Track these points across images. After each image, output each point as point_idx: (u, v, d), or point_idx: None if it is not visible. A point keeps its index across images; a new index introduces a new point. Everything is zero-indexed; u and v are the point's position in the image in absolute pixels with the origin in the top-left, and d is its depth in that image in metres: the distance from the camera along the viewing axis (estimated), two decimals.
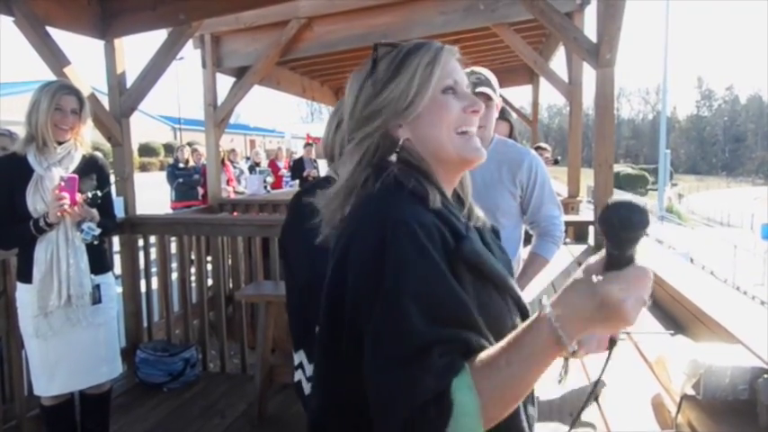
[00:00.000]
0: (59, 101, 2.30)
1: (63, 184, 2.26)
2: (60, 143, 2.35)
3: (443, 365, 0.68)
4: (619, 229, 0.67)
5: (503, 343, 0.71)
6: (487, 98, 1.88)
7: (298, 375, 1.82)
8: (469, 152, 0.89)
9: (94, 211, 2.38)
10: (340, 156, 0.93)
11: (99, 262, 2.47)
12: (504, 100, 6.11)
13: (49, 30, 3.20)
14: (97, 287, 2.43)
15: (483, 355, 0.71)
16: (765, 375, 1.14)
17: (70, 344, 2.38)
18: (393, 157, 0.88)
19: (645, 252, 0.77)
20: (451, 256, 0.77)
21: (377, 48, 0.92)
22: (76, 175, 2.32)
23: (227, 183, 8.32)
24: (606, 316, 0.66)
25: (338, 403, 0.85)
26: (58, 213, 2.27)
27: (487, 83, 1.92)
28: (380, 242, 0.75)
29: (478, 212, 0.98)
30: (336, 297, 0.80)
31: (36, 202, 2.29)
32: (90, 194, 2.38)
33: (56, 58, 3.20)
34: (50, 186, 2.29)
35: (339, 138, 1.64)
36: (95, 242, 2.44)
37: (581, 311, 0.67)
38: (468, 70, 1.96)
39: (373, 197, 0.82)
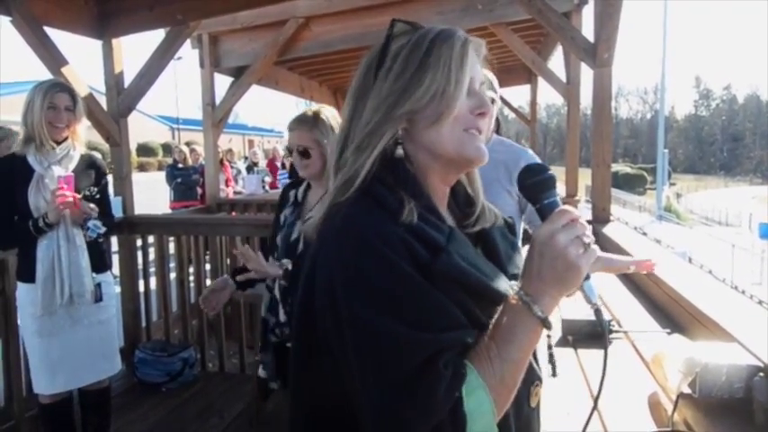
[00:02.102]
0: (52, 98, 2.30)
1: (63, 185, 2.27)
2: (58, 142, 2.36)
3: (451, 375, 0.66)
4: (524, 179, 0.79)
5: (490, 332, 0.71)
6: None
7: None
8: (470, 151, 0.81)
9: (95, 206, 2.39)
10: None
11: (99, 261, 2.49)
12: (503, 100, 6.12)
13: (47, 30, 3.19)
14: (98, 285, 2.46)
15: (478, 349, 0.70)
16: (761, 374, 1.15)
17: (72, 342, 2.39)
18: (400, 152, 0.80)
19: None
20: (425, 270, 0.71)
21: (393, 24, 0.84)
22: (73, 174, 2.33)
23: (226, 183, 8.31)
24: (551, 258, 0.69)
25: (320, 415, 0.81)
26: (60, 211, 2.28)
27: (489, 85, 1.94)
28: (343, 263, 0.71)
29: (491, 211, 0.94)
30: (308, 321, 0.76)
31: (38, 201, 2.30)
32: (87, 192, 2.39)
33: (53, 57, 3.20)
34: (51, 185, 2.30)
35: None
36: (100, 239, 2.45)
37: (534, 270, 0.71)
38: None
39: (341, 210, 0.76)
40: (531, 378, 0.82)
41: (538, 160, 2.07)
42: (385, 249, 0.70)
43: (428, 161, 0.82)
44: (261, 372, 2.12)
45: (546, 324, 0.70)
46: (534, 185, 0.78)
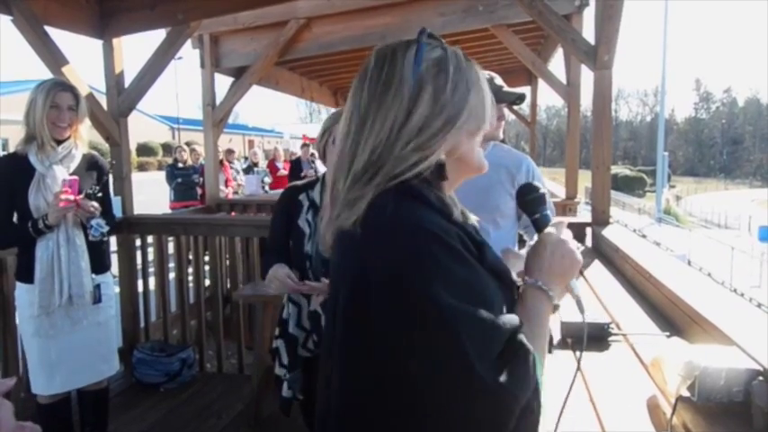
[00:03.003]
0: (55, 98, 2.29)
1: (67, 188, 2.26)
2: (59, 142, 2.35)
3: (533, 354, 0.75)
4: (525, 195, 0.98)
5: (521, 316, 0.81)
6: None
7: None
8: (483, 162, 0.91)
9: (97, 205, 2.39)
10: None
11: (99, 262, 2.48)
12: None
13: (48, 29, 3.20)
14: (97, 286, 2.45)
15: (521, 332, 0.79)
16: (760, 378, 1.15)
17: (71, 343, 2.38)
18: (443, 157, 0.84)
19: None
20: (476, 261, 0.79)
21: (422, 33, 0.85)
22: (77, 177, 2.32)
23: (226, 183, 8.31)
24: (561, 256, 0.88)
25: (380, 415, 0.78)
26: (62, 214, 2.27)
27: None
28: (418, 255, 0.73)
29: (465, 213, 0.95)
30: (362, 318, 0.76)
31: (38, 201, 2.29)
32: (90, 191, 2.39)
33: (54, 57, 3.20)
34: (52, 185, 2.29)
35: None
36: (105, 238, 2.45)
37: (546, 265, 0.88)
38: (487, 75, 1.99)
39: (388, 205, 0.77)
40: None
41: (536, 166, 2.10)
42: (452, 242, 0.75)
43: (456, 169, 0.87)
44: (285, 392, 1.99)
45: (556, 308, 0.88)
46: (534, 201, 0.97)
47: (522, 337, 0.75)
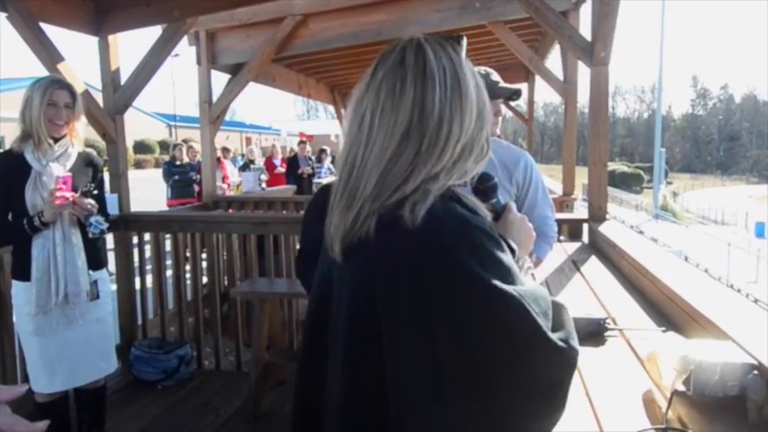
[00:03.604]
0: (52, 96, 2.29)
1: (62, 185, 2.25)
2: (56, 139, 2.35)
3: (565, 308, 0.86)
4: (482, 183, 1.08)
5: None
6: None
7: None
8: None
9: (95, 202, 2.38)
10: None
11: (95, 258, 2.48)
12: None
13: (43, 26, 3.18)
14: (94, 283, 2.44)
15: None
16: (755, 372, 1.15)
17: (69, 341, 2.38)
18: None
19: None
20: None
21: (460, 39, 0.90)
22: (71, 174, 2.32)
23: (223, 180, 8.30)
24: (524, 231, 1.07)
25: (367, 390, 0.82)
26: (58, 211, 2.26)
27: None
28: (474, 248, 0.77)
29: None
30: (372, 313, 0.78)
31: (35, 199, 2.28)
32: (86, 189, 2.38)
33: (49, 54, 3.18)
34: (49, 182, 2.29)
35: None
36: (104, 235, 2.45)
37: (517, 239, 1.01)
38: (483, 70, 1.98)
39: (436, 204, 0.79)
40: None
41: (535, 163, 2.09)
42: (495, 234, 0.82)
43: None
44: None
45: (533, 276, 1.01)
46: (490, 189, 1.09)
47: (556, 299, 0.86)
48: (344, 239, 0.82)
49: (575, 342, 0.81)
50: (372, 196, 0.80)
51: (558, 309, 0.85)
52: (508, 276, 0.78)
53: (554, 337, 0.78)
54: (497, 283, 0.75)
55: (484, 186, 1.07)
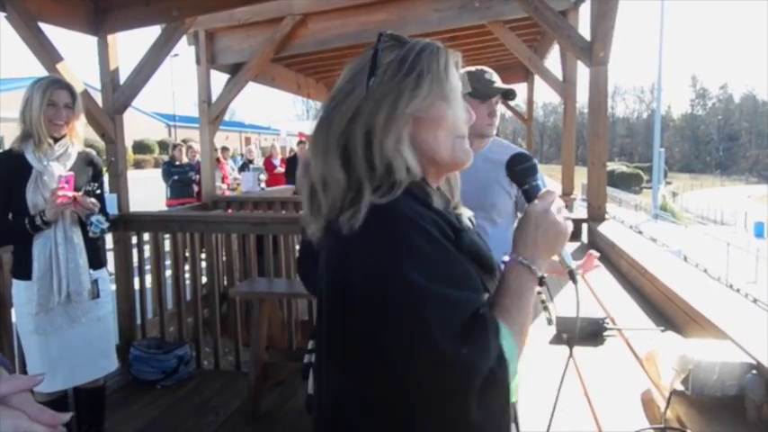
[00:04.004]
0: (52, 96, 2.29)
1: (64, 184, 2.26)
2: (56, 139, 2.36)
3: (495, 326, 0.80)
4: (514, 165, 0.98)
5: (500, 292, 0.87)
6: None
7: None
8: (461, 156, 0.90)
9: (96, 201, 2.39)
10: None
11: (95, 258, 2.48)
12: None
13: (42, 25, 3.18)
14: (95, 282, 2.45)
15: (495, 306, 0.85)
16: (754, 371, 1.15)
17: (70, 340, 2.38)
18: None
19: None
20: (452, 245, 0.83)
21: (380, 38, 0.89)
22: (73, 173, 2.32)
23: (223, 180, 8.30)
24: (545, 228, 0.88)
25: (356, 388, 0.85)
26: (59, 210, 2.27)
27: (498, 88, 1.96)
28: (395, 239, 0.78)
29: (464, 212, 1.00)
30: (346, 301, 0.81)
31: (36, 199, 2.29)
32: (88, 188, 2.39)
33: (48, 54, 3.18)
34: (50, 182, 2.29)
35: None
36: (105, 234, 2.45)
37: (530, 239, 0.88)
38: (476, 68, 1.98)
39: (376, 208, 0.81)
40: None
41: (536, 163, 2.08)
42: (426, 226, 0.80)
43: (425, 165, 0.89)
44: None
45: (542, 281, 0.89)
46: (523, 171, 0.97)
47: (484, 310, 0.80)
48: (318, 243, 0.88)
49: (476, 353, 0.76)
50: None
51: (496, 329, 0.80)
52: (425, 267, 0.77)
53: (448, 343, 0.75)
54: (403, 275, 0.75)
55: (512, 171, 0.98)
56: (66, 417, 0.69)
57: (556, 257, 0.93)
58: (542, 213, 0.88)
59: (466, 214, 0.99)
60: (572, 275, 0.93)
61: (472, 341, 0.76)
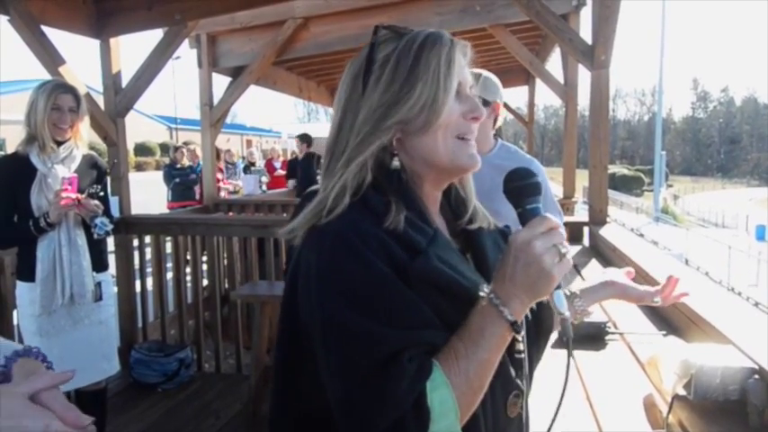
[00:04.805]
0: (56, 100, 2.31)
1: (67, 186, 2.27)
2: (60, 143, 2.37)
3: (415, 369, 0.67)
4: (510, 182, 0.79)
5: (458, 333, 0.72)
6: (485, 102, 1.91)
7: None
8: (463, 159, 0.81)
9: (100, 204, 2.40)
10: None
11: (98, 260, 2.49)
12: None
13: (45, 29, 3.19)
14: (98, 285, 2.46)
15: (445, 348, 0.71)
16: (756, 376, 1.15)
17: (73, 342, 2.39)
18: (396, 163, 0.82)
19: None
20: (402, 270, 0.72)
21: (377, 31, 0.82)
22: (76, 175, 2.34)
23: (222, 182, 8.31)
24: (525, 263, 0.70)
25: (298, 417, 0.82)
26: (63, 212, 2.28)
27: (495, 89, 1.96)
28: (320, 257, 0.73)
29: (484, 214, 0.94)
30: (291, 314, 0.78)
31: (40, 201, 2.30)
32: (92, 190, 2.40)
33: (51, 57, 3.19)
34: (54, 184, 2.31)
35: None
36: (109, 236, 2.46)
37: (508, 273, 0.71)
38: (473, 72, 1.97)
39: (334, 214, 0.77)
40: (509, 387, 0.81)
41: (542, 170, 2.06)
42: (361, 246, 0.71)
43: (422, 169, 0.82)
44: None
45: (515, 328, 0.71)
46: (519, 189, 0.79)
47: (413, 351, 0.68)
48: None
49: (379, 401, 0.66)
50: None
51: (421, 375, 0.67)
52: (349, 297, 0.70)
53: (338, 383, 0.69)
54: (319, 302, 0.71)
55: (506, 188, 0.80)
56: (88, 421, 0.70)
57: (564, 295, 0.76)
58: (524, 245, 0.71)
59: (484, 222, 0.93)
60: (564, 327, 0.76)
61: (369, 385, 0.67)
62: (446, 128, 0.80)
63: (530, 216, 0.76)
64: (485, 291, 0.75)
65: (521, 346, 0.78)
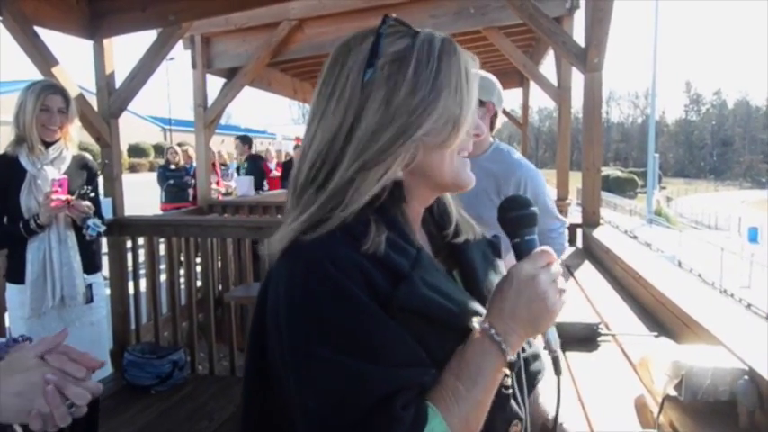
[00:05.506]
0: (45, 101, 2.29)
1: (57, 188, 2.26)
2: (49, 144, 2.36)
3: (411, 418, 0.61)
4: (507, 211, 0.77)
5: (453, 370, 0.67)
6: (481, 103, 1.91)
7: None
8: (464, 177, 0.77)
9: (91, 205, 2.39)
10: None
11: (90, 262, 2.48)
12: None
13: (38, 29, 3.17)
14: (89, 287, 2.44)
15: (442, 389, 0.66)
16: (746, 377, 1.16)
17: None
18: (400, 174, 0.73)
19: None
20: (384, 300, 0.65)
21: (385, 21, 0.76)
22: (66, 177, 2.33)
23: (216, 183, 8.29)
24: (528, 299, 0.67)
25: None
26: (53, 213, 2.27)
27: (499, 96, 1.97)
28: (290, 285, 0.65)
29: (469, 225, 0.87)
30: (259, 341, 0.72)
31: (30, 203, 2.29)
32: (82, 192, 2.39)
33: (44, 58, 3.18)
34: (44, 186, 2.29)
35: None
36: (101, 237, 2.46)
37: (509, 308, 0.68)
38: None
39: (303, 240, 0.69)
40: (509, 417, 0.76)
41: (535, 176, 2.02)
42: (337, 274, 0.64)
43: (418, 185, 0.76)
44: None
45: (511, 366, 0.68)
46: (517, 220, 0.76)
47: (399, 400, 0.61)
48: None
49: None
50: None
51: (416, 417, 0.62)
52: (329, 335, 0.62)
53: (313, 427, 0.62)
54: (295, 337, 0.64)
55: (503, 218, 0.77)
56: (98, 362, 0.86)
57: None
58: (528, 279, 0.68)
59: (470, 232, 0.86)
60: (556, 364, 0.74)
61: (360, 428, 0.60)
62: (461, 145, 0.75)
63: (527, 248, 0.74)
64: (478, 323, 0.70)
65: (508, 381, 0.74)
